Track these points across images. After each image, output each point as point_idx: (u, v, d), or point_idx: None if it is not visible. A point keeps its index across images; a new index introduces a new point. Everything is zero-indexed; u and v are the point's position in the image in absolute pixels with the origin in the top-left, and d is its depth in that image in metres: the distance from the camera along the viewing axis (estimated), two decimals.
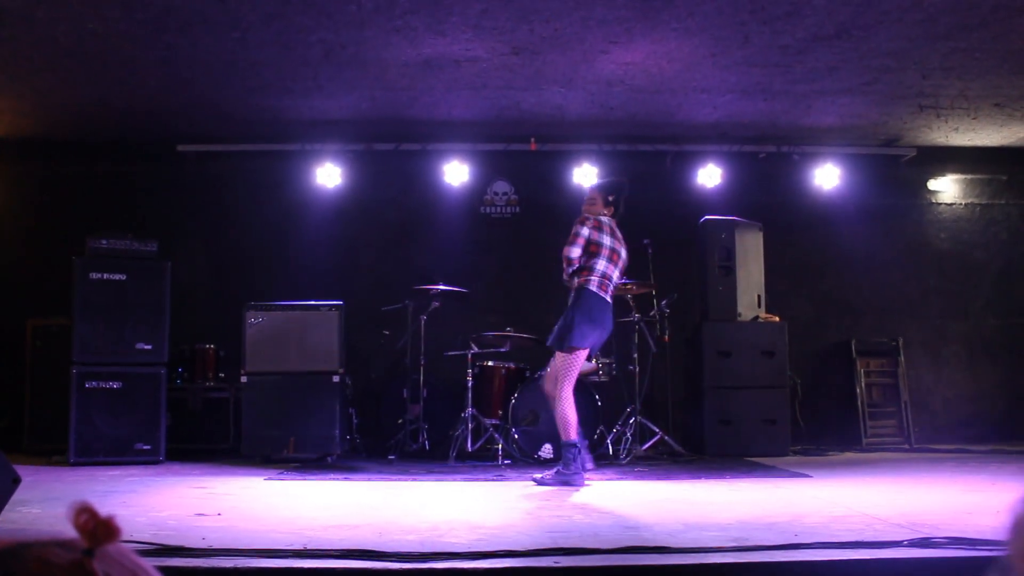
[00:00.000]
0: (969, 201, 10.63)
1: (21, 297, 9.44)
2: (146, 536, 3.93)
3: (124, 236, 8.08)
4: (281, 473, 7.21)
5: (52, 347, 8.73)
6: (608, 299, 6.68)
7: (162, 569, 3.72)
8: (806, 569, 3.43)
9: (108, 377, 7.82)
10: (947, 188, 10.62)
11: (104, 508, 1.01)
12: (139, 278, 7.98)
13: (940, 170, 10.55)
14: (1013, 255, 10.53)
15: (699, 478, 6.90)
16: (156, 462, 7.74)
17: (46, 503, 5.26)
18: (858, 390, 9.95)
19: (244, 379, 8.08)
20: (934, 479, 6.77)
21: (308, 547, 3.74)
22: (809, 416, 9.72)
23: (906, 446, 9.67)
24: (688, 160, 9.93)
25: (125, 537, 0.98)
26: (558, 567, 3.41)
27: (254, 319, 8.15)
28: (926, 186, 10.56)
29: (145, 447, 7.77)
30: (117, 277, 7.92)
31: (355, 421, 8.71)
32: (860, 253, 10.21)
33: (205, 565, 3.46)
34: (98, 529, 1.03)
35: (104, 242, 8.02)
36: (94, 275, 7.88)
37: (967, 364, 10.34)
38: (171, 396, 8.24)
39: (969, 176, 10.62)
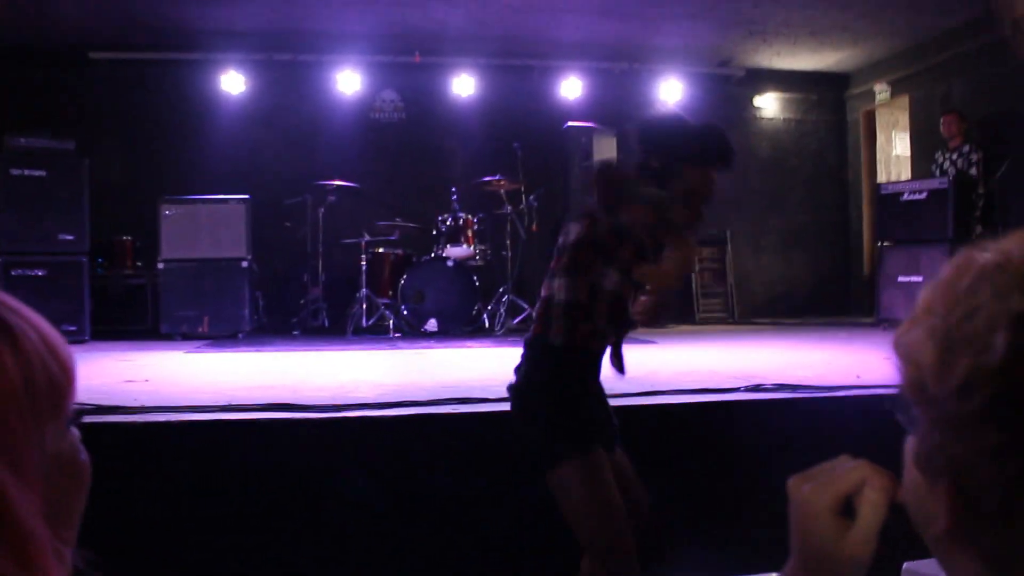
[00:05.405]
0: (787, 116, 10.91)
1: None
2: (80, 399, 3.78)
3: (41, 134, 7.57)
4: (198, 347, 7.03)
5: None
6: None
7: (101, 426, 3.58)
8: (663, 411, 3.55)
9: (33, 265, 7.39)
10: (769, 105, 10.86)
11: None
12: (58, 174, 7.46)
13: (764, 89, 10.75)
14: (820, 162, 10.93)
15: None
16: (82, 341, 7.41)
17: None
18: (692, 274, 10.21)
19: (161, 266, 7.82)
20: (757, 343, 7.08)
21: (232, 403, 3.67)
22: None
23: (731, 320, 10.06)
24: (553, 73, 9.82)
25: None
26: (457, 413, 3.44)
27: (169, 211, 7.86)
28: (752, 102, 10.77)
29: (71, 328, 7.38)
30: (37, 173, 7.40)
31: (261, 303, 8.53)
32: None
33: (141, 421, 3.36)
34: None
35: (22, 140, 7.48)
36: (14, 171, 7.34)
37: (781, 252, 10.74)
38: (93, 284, 7.80)
39: (787, 95, 10.88)
